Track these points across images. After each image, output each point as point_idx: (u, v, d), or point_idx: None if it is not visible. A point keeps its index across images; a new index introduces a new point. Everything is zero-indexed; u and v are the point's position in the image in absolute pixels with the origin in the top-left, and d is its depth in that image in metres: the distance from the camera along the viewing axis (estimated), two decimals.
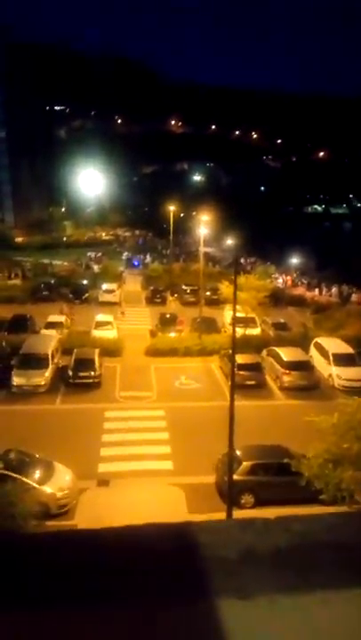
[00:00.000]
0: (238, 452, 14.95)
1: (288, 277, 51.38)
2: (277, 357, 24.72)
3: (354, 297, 43.07)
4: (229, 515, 12.08)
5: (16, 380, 22.27)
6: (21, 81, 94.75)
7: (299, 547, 1.20)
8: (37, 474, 14.68)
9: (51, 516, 13.79)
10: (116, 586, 1.11)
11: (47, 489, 14.26)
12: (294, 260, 56.35)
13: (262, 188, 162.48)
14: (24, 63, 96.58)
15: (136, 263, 60.68)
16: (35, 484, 14.06)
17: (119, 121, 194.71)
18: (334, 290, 45.58)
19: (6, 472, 13.91)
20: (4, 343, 25.51)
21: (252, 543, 1.20)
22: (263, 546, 1.19)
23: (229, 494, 12.64)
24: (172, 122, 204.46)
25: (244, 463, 15.14)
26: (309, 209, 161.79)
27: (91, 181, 71.82)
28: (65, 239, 73.98)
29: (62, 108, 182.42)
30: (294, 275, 52.98)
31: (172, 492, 15.51)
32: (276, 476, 15.01)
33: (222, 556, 1.17)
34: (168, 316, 33.08)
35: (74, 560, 1.18)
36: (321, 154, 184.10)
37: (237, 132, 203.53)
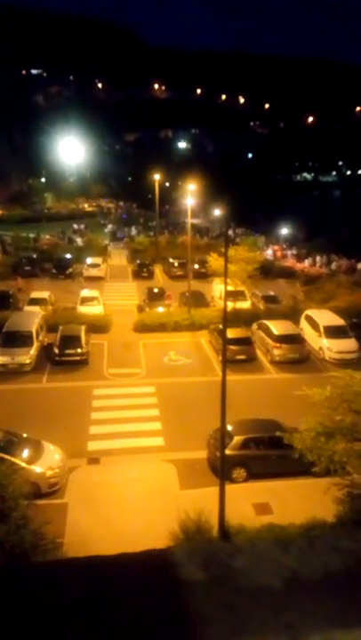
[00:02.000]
0: (230, 427, 14.86)
1: (277, 248, 50.86)
2: (268, 331, 24.54)
3: (344, 267, 42.91)
4: (222, 489, 12.02)
5: (0, 359, 21.79)
6: None
7: (356, 572, 1.01)
8: (26, 453, 14.55)
9: (41, 496, 13.66)
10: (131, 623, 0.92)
11: (37, 468, 14.16)
12: (284, 231, 55.69)
13: (250, 155, 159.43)
14: None
15: (121, 236, 59.45)
16: (24, 464, 13.89)
17: (99, 86, 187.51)
18: (318, 259, 45.35)
19: None
20: None
21: (297, 567, 1.02)
22: (310, 570, 1.02)
23: (222, 469, 12.57)
24: (156, 86, 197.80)
25: (236, 438, 15.09)
26: (298, 177, 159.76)
27: (71, 150, 69.18)
28: (46, 211, 72.00)
29: (39, 72, 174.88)
30: (283, 246, 52.46)
31: (164, 468, 15.48)
32: (268, 449, 15.05)
33: (264, 586, 0.98)
34: (156, 290, 32.55)
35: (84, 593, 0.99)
36: (310, 119, 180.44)
37: (223, 97, 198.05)
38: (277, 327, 24.49)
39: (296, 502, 13.69)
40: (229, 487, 12.95)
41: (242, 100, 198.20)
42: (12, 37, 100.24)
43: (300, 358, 23.63)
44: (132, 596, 0.97)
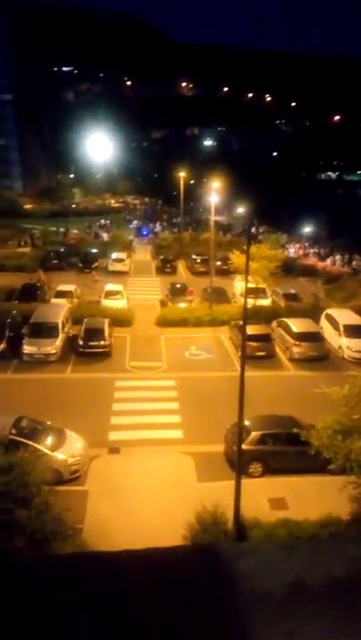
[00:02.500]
0: (247, 422, 15.03)
1: (300, 247, 50.45)
2: (287, 328, 24.52)
3: None
4: (238, 483, 12.23)
5: (27, 349, 22.42)
6: (27, 42, 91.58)
7: (359, 576, 0.97)
8: (49, 441, 14.91)
9: (63, 482, 14.08)
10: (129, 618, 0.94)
11: (59, 455, 14.51)
12: (306, 229, 55.14)
13: (275, 153, 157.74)
14: (30, 24, 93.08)
15: (145, 232, 59.90)
16: (47, 451, 14.29)
17: (128, 83, 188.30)
18: (340, 257, 44.76)
19: (19, 439, 14.13)
20: (14, 312, 25.56)
21: (301, 573, 0.99)
22: (314, 576, 0.98)
23: (238, 463, 12.77)
24: (183, 84, 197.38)
25: (253, 433, 15.25)
26: (323, 175, 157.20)
27: (99, 147, 69.99)
28: (74, 207, 73.08)
29: (70, 69, 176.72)
30: (306, 244, 51.98)
31: (183, 461, 15.75)
32: (284, 445, 15.14)
33: (266, 590, 0.96)
34: (178, 285, 32.82)
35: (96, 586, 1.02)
36: (336, 118, 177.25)
37: (250, 95, 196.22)
38: (297, 325, 24.45)
39: (312, 499, 13.78)
40: (246, 481, 13.14)
41: (268, 98, 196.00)
42: (44, 35, 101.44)
43: (319, 356, 23.55)
44: (134, 592, 0.97)
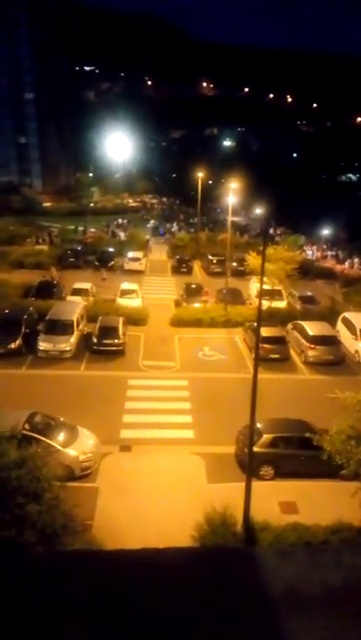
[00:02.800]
0: (259, 425, 14.95)
1: (318, 249, 49.96)
2: (303, 331, 24.30)
3: None
4: (248, 485, 12.17)
5: (42, 345, 22.67)
6: (49, 41, 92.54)
7: (357, 588, 0.94)
8: (61, 437, 15.04)
9: (74, 479, 14.19)
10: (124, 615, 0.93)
11: (71, 452, 14.62)
12: (325, 231, 54.60)
13: (295, 154, 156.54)
14: (52, 23, 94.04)
15: (162, 232, 60.10)
16: (59, 447, 14.42)
17: (149, 82, 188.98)
18: (357, 260, 44.18)
19: (32, 434, 14.28)
20: (31, 309, 25.87)
21: (295, 580, 0.97)
22: (309, 584, 0.95)
23: (249, 465, 12.71)
24: (204, 84, 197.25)
25: (265, 436, 15.16)
26: (343, 177, 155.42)
27: (118, 146, 70.59)
28: (92, 205, 73.68)
29: (91, 68, 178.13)
30: (324, 246, 51.47)
31: (193, 461, 15.74)
32: (296, 449, 15.02)
33: (257, 596, 0.94)
34: (193, 286, 32.81)
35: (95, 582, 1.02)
36: (358, 119, 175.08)
37: (271, 96, 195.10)
38: (313, 328, 24.21)
39: (323, 504, 13.63)
40: (256, 484, 13.07)
41: (289, 99, 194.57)
42: (66, 34, 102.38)
43: (334, 360, 23.28)
44: (129, 592, 0.96)
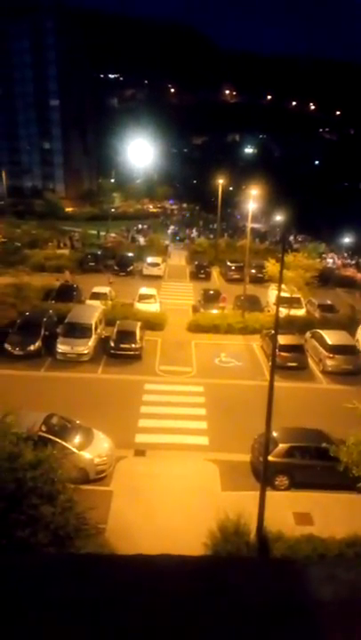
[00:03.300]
0: (275, 434, 14.80)
1: (338, 257, 49.40)
2: (321, 340, 24.02)
3: None
4: (263, 494, 12.03)
5: (61, 348, 22.92)
6: (74, 49, 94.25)
7: (349, 603, 0.93)
8: (77, 439, 15.12)
9: (88, 482, 14.25)
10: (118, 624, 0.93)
11: (86, 455, 14.68)
12: (347, 240, 53.98)
13: (317, 161, 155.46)
14: (77, 31, 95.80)
15: (178, 237, 60.32)
16: (74, 450, 14.51)
17: (172, 90, 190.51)
18: None
19: (48, 436, 14.42)
20: (50, 311, 26.22)
21: (286, 592, 0.96)
22: (300, 596, 0.94)
23: (264, 475, 12.58)
24: (227, 91, 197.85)
25: (281, 445, 14.99)
26: None
27: (140, 152, 71.24)
28: (113, 210, 74.50)
29: (115, 76, 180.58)
30: (345, 254, 50.85)
31: (207, 468, 15.65)
32: (312, 459, 14.80)
33: (247, 606, 0.93)
34: (211, 292, 32.80)
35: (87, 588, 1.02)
36: None
37: (294, 103, 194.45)
38: (332, 337, 23.91)
39: (338, 516, 13.39)
40: (271, 494, 12.92)
41: (312, 106, 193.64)
42: (91, 42, 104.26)
43: (353, 370, 22.91)
44: (120, 597, 0.95)
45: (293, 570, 1.04)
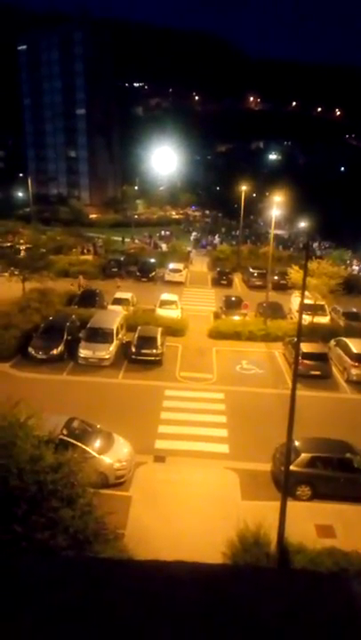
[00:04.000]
0: (297, 443, 14.56)
1: None
2: (346, 348, 23.57)
3: None
4: (283, 505, 11.80)
5: (83, 353, 23.15)
6: (101, 59, 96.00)
7: (358, 615, 0.88)
8: (97, 444, 15.16)
9: (108, 486, 14.26)
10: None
11: (106, 459, 14.70)
12: None
13: (342, 168, 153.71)
14: (104, 42, 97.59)
15: (203, 244, 60.39)
16: (94, 454, 14.55)
17: (197, 98, 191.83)
18: None
19: (69, 439, 14.50)
20: (73, 316, 26.54)
21: (297, 603, 0.91)
22: (312, 609, 0.90)
23: (285, 485, 12.35)
24: (251, 98, 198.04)
25: (303, 455, 14.72)
26: None
27: (164, 160, 71.87)
28: (136, 217, 75.24)
29: (141, 85, 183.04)
30: None
31: (227, 476, 15.48)
32: (335, 470, 14.48)
33: (256, 617, 0.89)
34: (233, 298, 32.65)
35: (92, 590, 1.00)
36: None
37: (319, 110, 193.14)
38: (357, 345, 23.43)
39: None
40: (292, 504, 12.67)
41: (338, 113, 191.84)
42: (117, 51, 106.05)
43: None
44: (131, 602, 0.94)
45: (306, 581, 1.01)
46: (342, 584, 1.00)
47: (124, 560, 1.08)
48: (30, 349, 23.24)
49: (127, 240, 55.75)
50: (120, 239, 56.64)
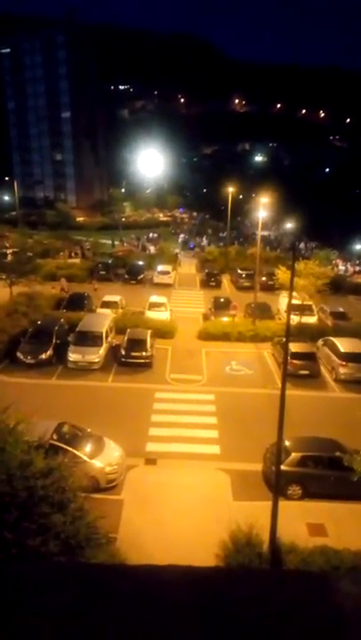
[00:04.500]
0: (287, 443, 14.64)
1: (351, 264, 49.09)
2: (334, 348, 23.79)
3: None
4: (275, 505, 11.85)
5: (72, 357, 23.02)
6: (85, 62, 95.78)
7: (354, 617, 0.88)
8: (88, 448, 15.08)
9: (99, 490, 14.19)
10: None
11: (97, 463, 14.63)
12: (359, 247, 53.67)
13: (327, 169, 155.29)
14: (88, 45, 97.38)
15: (192, 245, 60.53)
16: (85, 458, 14.47)
17: (182, 100, 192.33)
18: None
19: (59, 444, 14.41)
20: (62, 320, 26.39)
21: (290, 604, 0.91)
22: (304, 609, 0.90)
23: (276, 484, 12.40)
24: (236, 100, 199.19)
25: (293, 454, 14.80)
26: None
27: (151, 162, 71.92)
28: (123, 220, 75.06)
29: (126, 87, 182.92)
30: (357, 261, 50.53)
31: (219, 477, 15.51)
32: (326, 469, 14.58)
33: (249, 619, 0.89)
34: (222, 300, 32.76)
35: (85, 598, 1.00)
36: None
37: (303, 111, 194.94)
38: (344, 344, 23.67)
39: (353, 527, 13.15)
40: (283, 504, 12.72)
41: (322, 115, 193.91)
42: (101, 54, 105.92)
43: None
44: (123, 607, 0.94)
45: (297, 582, 1.01)
46: (333, 583, 1.01)
47: (117, 565, 1.09)
48: (19, 354, 23.05)
49: (117, 243, 55.68)
50: (110, 242, 56.46)
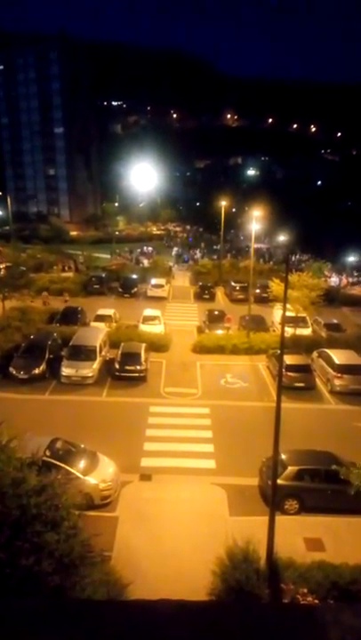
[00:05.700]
0: (284, 456, 14.53)
1: (344, 276, 49.47)
2: (329, 359, 23.81)
3: None
4: (272, 520, 11.71)
5: (65, 371, 22.83)
6: (79, 78, 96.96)
7: None
8: (82, 464, 14.90)
9: (93, 507, 13.97)
10: None
11: (91, 480, 14.45)
12: (351, 258, 54.16)
13: (319, 182, 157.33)
14: (81, 61, 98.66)
15: (186, 259, 60.80)
16: (79, 475, 14.28)
17: (175, 115, 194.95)
18: None
19: (52, 461, 14.21)
20: (55, 334, 26.24)
21: (293, 637, 0.89)
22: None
23: (273, 499, 12.27)
24: (228, 115, 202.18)
25: (290, 468, 14.69)
26: None
27: (144, 176, 72.51)
28: (117, 234, 75.32)
29: (119, 103, 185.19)
30: (354, 273, 50.95)
31: (214, 492, 15.34)
32: (322, 482, 14.48)
33: None
34: (216, 312, 32.79)
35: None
36: None
37: (295, 126, 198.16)
38: (339, 356, 23.70)
39: (351, 541, 13.01)
40: (280, 518, 12.60)
41: (313, 129, 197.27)
42: (94, 70, 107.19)
43: None
44: None
45: (296, 614, 0.99)
46: (334, 616, 0.98)
47: (111, 601, 1.05)
48: (11, 369, 22.84)
49: (110, 257, 55.81)
50: (108, 256, 56.54)
